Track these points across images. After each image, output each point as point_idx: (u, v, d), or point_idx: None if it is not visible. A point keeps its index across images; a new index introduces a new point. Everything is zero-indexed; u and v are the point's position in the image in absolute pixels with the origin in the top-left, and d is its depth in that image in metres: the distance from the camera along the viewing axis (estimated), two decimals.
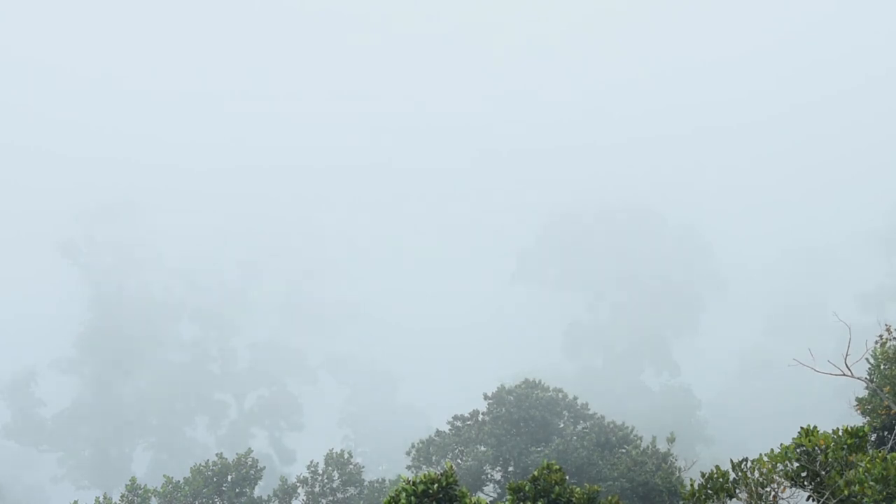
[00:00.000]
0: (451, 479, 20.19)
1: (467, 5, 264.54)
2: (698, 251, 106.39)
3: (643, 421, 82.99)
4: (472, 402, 43.07)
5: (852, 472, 18.32)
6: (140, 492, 32.56)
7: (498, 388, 43.02)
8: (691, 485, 19.85)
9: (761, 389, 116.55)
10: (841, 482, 18.24)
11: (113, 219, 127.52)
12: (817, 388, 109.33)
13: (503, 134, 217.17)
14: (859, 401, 25.54)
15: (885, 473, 17.76)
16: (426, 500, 19.85)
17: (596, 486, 22.97)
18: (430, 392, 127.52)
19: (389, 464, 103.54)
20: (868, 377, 24.95)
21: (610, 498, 21.79)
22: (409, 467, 38.66)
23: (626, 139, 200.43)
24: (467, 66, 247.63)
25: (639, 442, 38.91)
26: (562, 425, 41.36)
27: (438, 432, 40.91)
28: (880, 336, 25.20)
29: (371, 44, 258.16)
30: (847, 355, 23.65)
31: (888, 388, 24.21)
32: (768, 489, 18.89)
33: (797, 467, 19.30)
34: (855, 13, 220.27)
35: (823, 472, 18.99)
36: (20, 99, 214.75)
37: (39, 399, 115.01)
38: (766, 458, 19.30)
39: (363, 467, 38.66)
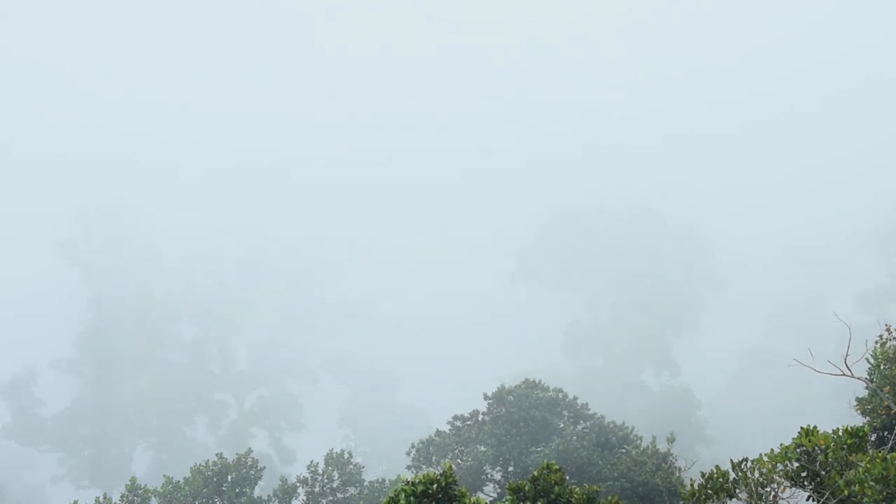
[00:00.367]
0: (450, 479, 20.19)
1: (467, 6, 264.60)
2: (698, 251, 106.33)
3: (643, 421, 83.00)
4: (472, 402, 43.06)
5: (852, 472, 18.32)
6: (140, 492, 32.55)
7: (498, 388, 43.01)
8: (691, 485, 19.85)
9: (761, 389, 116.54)
10: (841, 482, 18.23)
11: (113, 219, 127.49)
12: (817, 388, 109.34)
13: (503, 134, 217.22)
14: (859, 401, 25.53)
15: (885, 473, 17.76)
16: (426, 500, 19.85)
17: (596, 486, 22.97)
18: (430, 392, 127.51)
19: (389, 464, 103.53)
20: (868, 377, 24.94)
21: (610, 498, 21.78)
22: (408, 467, 38.65)
23: (627, 140, 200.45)
24: (467, 67, 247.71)
25: (639, 442, 38.90)
26: (562, 425, 41.35)
27: (438, 432, 40.90)
28: (880, 336, 25.19)
29: (372, 44, 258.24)
30: (847, 355, 23.65)
31: (888, 388, 24.21)
32: (768, 489, 18.89)
33: (797, 467, 19.30)
34: (854, 14, 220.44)
35: (823, 472, 18.99)
36: (20, 100, 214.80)
37: (39, 399, 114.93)
38: (766, 458, 19.30)
39: (363, 467, 38.65)
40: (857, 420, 27.24)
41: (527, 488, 22.30)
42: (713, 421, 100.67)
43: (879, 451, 18.67)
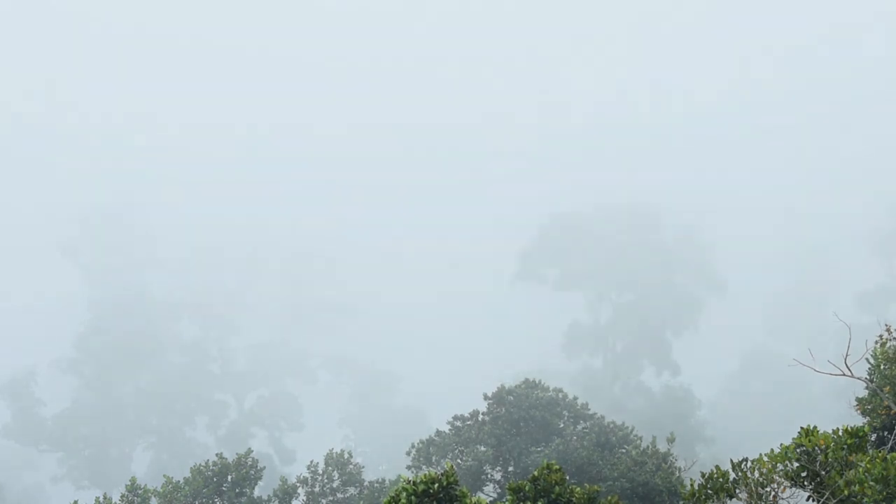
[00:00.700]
0: (451, 479, 20.20)
1: (470, 10, 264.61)
2: (698, 251, 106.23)
3: (643, 421, 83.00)
4: (472, 402, 43.05)
5: (852, 472, 18.33)
6: (140, 492, 32.54)
7: (498, 388, 43.01)
8: (691, 485, 19.86)
9: (761, 389, 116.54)
10: (841, 482, 18.24)
11: (113, 219, 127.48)
12: (817, 388, 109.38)
13: (504, 134, 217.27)
14: (859, 401, 25.53)
15: (885, 473, 17.76)
16: (426, 499, 19.86)
17: (596, 486, 22.99)
18: (430, 392, 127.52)
19: (389, 464, 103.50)
20: (868, 377, 24.94)
21: (610, 498, 21.79)
22: (409, 467, 38.65)
23: (627, 141, 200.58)
24: (467, 69, 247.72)
25: (639, 442, 38.90)
26: (562, 425, 41.35)
27: (438, 432, 40.89)
28: (880, 336, 25.18)
29: (373, 44, 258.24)
30: (847, 355, 23.64)
31: (888, 388, 24.21)
32: (768, 489, 18.89)
33: (797, 467, 19.31)
34: (856, 22, 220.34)
35: (823, 472, 19.00)
36: (21, 105, 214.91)
37: (39, 399, 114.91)
38: (766, 458, 19.31)
39: (363, 467, 38.65)
40: (857, 420, 27.24)
41: (527, 488, 22.31)
42: (713, 421, 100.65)
43: (879, 451, 18.68)
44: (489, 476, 39.58)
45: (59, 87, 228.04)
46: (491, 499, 38.31)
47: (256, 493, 36.19)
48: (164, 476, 34.39)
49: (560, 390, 43.46)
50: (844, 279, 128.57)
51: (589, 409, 43.09)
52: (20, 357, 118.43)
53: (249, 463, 34.38)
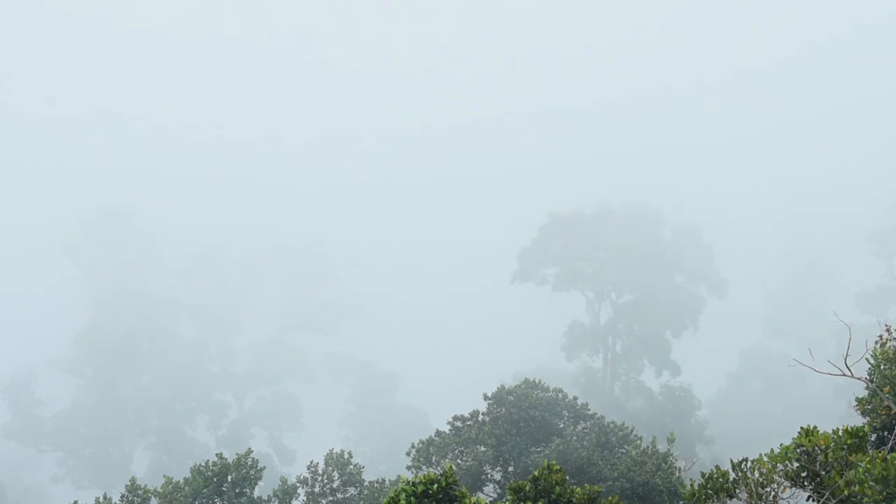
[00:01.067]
0: (450, 480, 20.20)
1: (471, 11, 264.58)
2: (698, 251, 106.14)
3: (643, 421, 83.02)
4: (472, 402, 43.05)
5: (852, 472, 18.32)
6: (140, 492, 32.51)
7: (498, 388, 43.00)
8: (691, 485, 19.86)
9: (761, 389, 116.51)
10: (841, 482, 18.24)
11: (113, 220, 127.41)
12: (817, 388, 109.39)
13: (504, 135, 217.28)
14: (859, 401, 25.52)
15: (885, 474, 17.76)
16: (426, 500, 19.86)
17: (596, 487, 22.99)
18: (430, 392, 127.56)
19: (389, 464, 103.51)
20: (868, 377, 24.93)
21: (610, 498, 21.79)
22: (409, 467, 38.62)
23: (628, 142, 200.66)
24: (468, 68, 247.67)
25: (639, 442, 38.88)
26: (562, 425, 41.34)
27: (438, 432, 40.86)
28: (880, 336, 25.16)
29: (375, 45, 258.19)
30: (847, 355, 23.64)
31: (888, 388, 24.21)
32: (768, 489, 18.89)
33: (797, 467, 19.30)
34: (860, 27, 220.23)
35: (823, 473, 18.99)
36: (22, 105, 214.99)
37: (39, 399, 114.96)
38: (766, 458, 19.30)
39: (363, 467, 38.59)
40: (857, 420, 27.24)
41: (527, 488, 22.31)
42: (713, 421, 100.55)
43: (879, 452, 18.68)
44: (489, 476, 39.56)
45: (60, 87, 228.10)
46: (491, 499, 38.30)
47: (256, 493, 36.17)
48: (164, 476, 34.36)
49: (560, 390, 43.45)
50: (844, 279, 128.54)
51: (589, 409, 43.07)
52: (20, 357, 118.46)
53: (249, 463, 34.35)
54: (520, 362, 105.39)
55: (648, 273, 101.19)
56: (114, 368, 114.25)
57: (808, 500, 19.21)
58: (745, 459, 19.73)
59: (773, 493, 18.84)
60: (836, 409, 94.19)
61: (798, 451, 19.30)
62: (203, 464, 33.86)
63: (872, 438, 24.83)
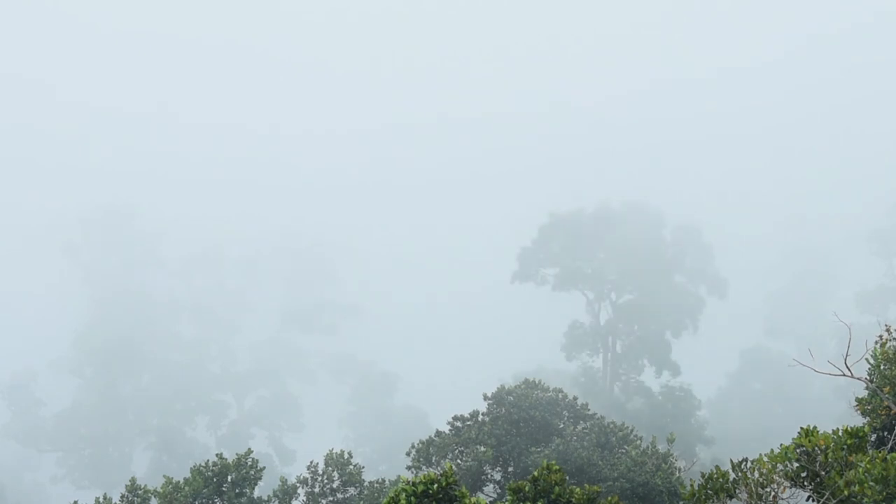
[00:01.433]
0: (450, 480, 20.20)
1: (469, 10, 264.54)
2: (698, 251, 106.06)
3: (643, 421, 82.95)
4: (472, 402, 43.05)
5: (852, 472, 18.32)
6: (140, 492, 32.51)
7: (498, 388, 43.01)
8: (691, 485, 19.86)
9: (761, 389, 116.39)
10: (841, 482, 18.24)
11: (113, 220, 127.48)
12: (817, 388, 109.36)
13: (504, 135, 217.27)
14: (859, 401, 25.51)
15: (885, 474, 17.76)
16: (426, 500, 19.86)
17: (596, 487, 22.99)
18: (430, 392, 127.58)
19: (389, 464, 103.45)
20: (868, 377, 24.93)
21: (610, 498, 21.79)
22: (408, 468, 38.61)
23: (628, 142, 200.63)
24: (468, 67, 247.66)
25: (639, 442, 38.87)
26: (562, 426, 41.33)
27: (438, 433, 40.85)
28: (880, 336, 25.16)
29: (374, 45, 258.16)
30: (847, 355, 23.64)
31: (888, 388, 24.20)
32: (768, 489, 18.89)
33: (797, 467, 19.31)
34: (860, 24, 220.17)
35: (823, 473, 18.99)
36: (26, 107, 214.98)
37: (39, 399, 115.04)
38: (766, 459, 19.30)
39: (363, 468, 38.57)
40: (857, 420, 27.23)
41: (527, 489, 22.31)
42: (713, 421, 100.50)
43: (879, 452, 18.68)
44: (489, 476, 39.55)
45: (60, 87, 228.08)
46: (491, 499, 38.30)
47: (256, 493, 36.14)
48: (164, 476, 34.35)
49: (560, 390, 43.45)
50: (844, 279, 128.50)
51: (589, 410, 43.06)
52: (20, 357, 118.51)
53: (249, 463, 34.34)
54: (520, 362, 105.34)
55: (648, 273, 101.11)
56: (114, 368, 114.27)
57: (808, 500, 19.21)
58: (745, 459, 19.73)
59: (773, 494, 18.84)
60: (836, 409, 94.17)
61: (798, 451, 19.30)
62: (203, 464, 33.85)
63: (872, 438, 24.83)
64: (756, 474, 19.12)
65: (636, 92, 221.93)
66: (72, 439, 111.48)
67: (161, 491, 32.72)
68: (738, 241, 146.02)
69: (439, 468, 38.03)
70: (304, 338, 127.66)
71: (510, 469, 39.68)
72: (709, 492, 19.27)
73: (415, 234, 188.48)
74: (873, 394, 25.01)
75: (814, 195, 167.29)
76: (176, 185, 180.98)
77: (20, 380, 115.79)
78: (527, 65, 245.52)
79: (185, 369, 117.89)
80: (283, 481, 36.15)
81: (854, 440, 19.25)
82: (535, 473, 22.70)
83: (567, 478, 24.32)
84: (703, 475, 19.77)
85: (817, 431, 19.35)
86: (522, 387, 42.58)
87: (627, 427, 40.37)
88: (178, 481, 33.43)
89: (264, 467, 35.75)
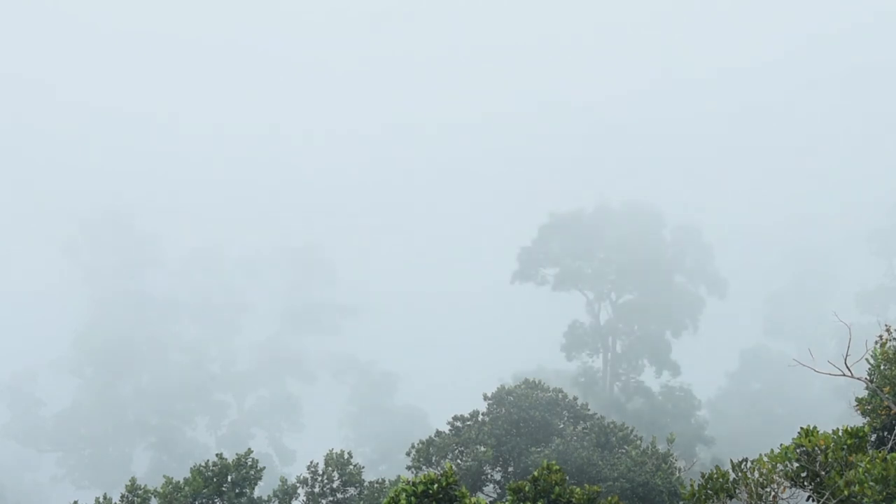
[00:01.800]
0: (451, 480, 20.21)
1: (473, 7, 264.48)
2: (698, 251, 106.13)
3: (643, 421, 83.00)
4: (472, 402, 43.07)
5: (852, 472, 18.32)
6: (140, 492, 32.50)
7: (498, 388, 43.03)
8: (691, 485, 19.86)
9: (761, 389, 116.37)
10: (841, 482, 18.24)
11: (114, 220, 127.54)
12: (817, 388, 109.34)
13: (505, 135, 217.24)
14: (859, 401, 25.51)
15: (885, 474, 17.76)
16: (426, 500, 19.86)
17: (596, 487, 23.00)
18: (430, 392, 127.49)
19: (389, 464, 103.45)
20: (868, 377, 24.93)
21: (610, 498, 21.79)
22: (409, 468, 38.61)
23: (628, 141, 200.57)
24: (468, 66, 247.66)
25: (639, 442, 38.87)
26: (562, 426, 41.33)
27: (438, 433, 40.86)
28: (880, 336, 25.16)
29: (373, 43, 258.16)
30: (847, 355, 23.64)
31: (888, 388, 24.20)
32: (768, 489, 18.89)
33: (797, 467, 19.31)
34: (859, 20, 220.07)
35: (823, 473, 18.99)
36: (26, 106, 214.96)
37: (39, 399, 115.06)
38: (766, 459, 19.31)
39: (363, 468, 38.56)
40: (857, 420, 27.23)
41: (527, 489, 22.31)
42: (713, 421, 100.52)
43: (879, 452, 18.69)
44: (489, 476, 39.56)
45: (60, 87, 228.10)
46: (491, 499, 38.30)
47: (256, 493, 36.13)
48: (164, 476, 34.35)
49: (560, 391, 43.46)
50: (844, 279, 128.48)
51: (589, 410, 43.07)
52: (20, 357, 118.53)
53: (249, 463, 34.34)
54: (520, 362, 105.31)
55: (648, 273, 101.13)
56: (114, 368, 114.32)
57: (808, 500, 19.21)
58: (745, 459, 19.74)
59: (773, 494, 18.84)
60: (836, 409, 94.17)
61: (798, 451, 19.31)
62: (203, 464, 33.85)
63: (872, 438, 24.83)
64: (756, 474, 19.12)
65: (636, 92, 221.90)
66: (72, 439, 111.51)
67: (161, 491, 32.72)
68: (739, 241, 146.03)
69: (439, 468, 38.04)
70: (304, 338, 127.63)
71: (510, 469, 39.69)
72: (709, 492, 19.28)
73: (415, 233, 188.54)
74: (873, 394, 25.01)
75: (814, 195, 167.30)
76: (176, 185, 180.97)
77: (20, 380, 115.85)
78: (526, 65, 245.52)
79: (185, 369, 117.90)
80: (283, 481, 36.15)
81: (854, 440, 19.26)
82: (535, 473, 22.70)
83: (567, 478, 24.34)
84: (703, 475, 19.77)
85: (817, 431, 19.35)
86: (522, 387, 42.60)
87: (627, 427, 40.37)
88: (178, 481, 33.42)
89: (264, 467, 35.74)
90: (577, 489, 22.68)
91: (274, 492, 35.65)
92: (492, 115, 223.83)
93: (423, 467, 38.20)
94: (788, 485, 19.17)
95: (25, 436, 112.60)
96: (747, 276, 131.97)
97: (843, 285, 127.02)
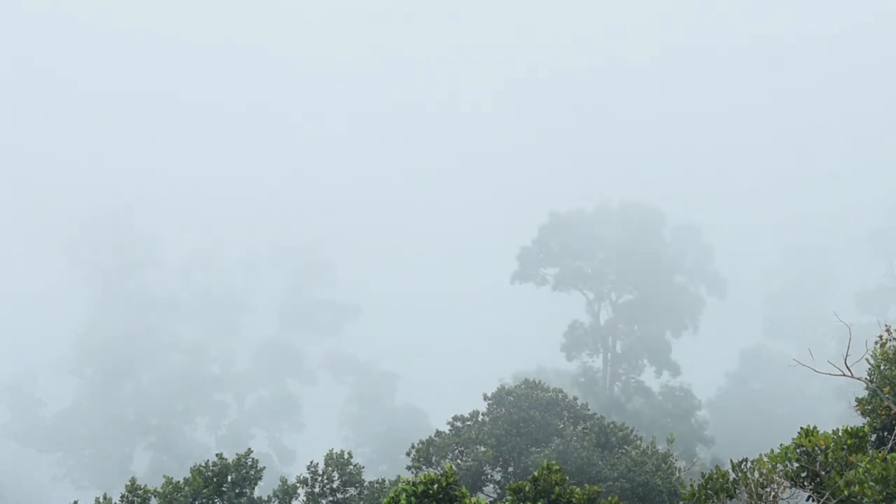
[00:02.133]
0: (451, 480, 20.21)
1: (472, 6, 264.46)
2: (698, 251, 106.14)
3: (643, 421, 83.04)
4: (472, 402, 43.08)
5: (852, 472, 18.32)
6: (140, 492, 32.50)
7: (498, 388, 43.05)
8: (691, 485, 19.86)
9: (761, 389, 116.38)
10: (841, 482, 18.24)
11: (114, 220, 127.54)
12: (817, 388, 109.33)
13: (504, 134, 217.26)
14: (859, 401, 25.51)
15: (885, 474, 17.76)
16: (426, 500, 19.86)
17: (596, 487, 23.00)
18: (430, 392, 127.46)
19: (389, 464, 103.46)
20: (868, 377, 24.92)
21: (610, 498, 21.79)
22: (408, 468, 38.61)
23: (628, 141, 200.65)
24: (467, 66, 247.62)
25: (639, 442, 38.88)
26: (562, 426, 41.34)
27: (438, 433, 40.87)
28: (880, 336, 25.16)
29: (372, 39, 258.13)
30: (847, 355, 23.64)
31: (888, 388, 24.20)
32: (768, 489, 18.89)
33: (797, 467, 19.31)
34: (857, 23, 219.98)
35: (823, 473, 19.00)
36: (25, 105, 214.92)
37: (39, 399, 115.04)
38: (766, 459, 19.31)
39: (363, 468, 38.56)
40: (858, 420, 27.24)
41: (527, 489, 22.31)
42: (713, 421, 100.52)
43: (879, 452, 18.69)
44: (489, 476, 39.56)
45: (60, 86, 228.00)
46: (491, 499, 38.31)
47: (256, 493, 36.14)
48: (164, 476, 34.35)
49: (560, 391, 43.46)
50: (844, 279, 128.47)
51: (589, 410, 43.08)
52: (20, 357, 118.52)
53: (249, 463, 34.34)
54: (520, 362, 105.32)
55: (648, 273, 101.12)
56: (114, 368, 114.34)
57: (808, 500, 19.21)
58: (745, 459, 19.74)
59: (773, 494, 18.84)
60: (836, 409, 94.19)
61: (798, 451, 19.31)
62: (203, 464, 33.85)
63: (872, 438, 24.83)
64: (756, 474, 19.12)
65: (637, 91, 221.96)
66: (72, 439, 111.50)
67: (161, 491, 32.71)
68: (739, 241, 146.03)
69: (439, 468, 38.04)
70: (305, 338, 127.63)
71: (510, 469, 39.69)
72: (709, 492, 19.28)
73: (415, 234, 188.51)
74: (873, 394, 25.01)
75: (814, 195, 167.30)
76: (176, 185, 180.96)
77: (20, 380, 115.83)
78: (526, 65, 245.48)
79: (185, 369, 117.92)
80: (283, 481, 36.14)
81: (854, 440, 19.26)
82: (536, 473, 22.71)
83: (567, 478, 24.34)
84: (703, 475, 19.77)
85: (817, 431, 19.35)
86: (522, 387, 42.61)
87: (627, 427, 40.38)
88: (178, 481, 33.42)
89: (264, 467, 35.74)
90: (577, 489, 22.68)
91: (274, 492, 35.64)
92: (492, 115, 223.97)
93: (423, 467, 38.20)
94: (788, 485, 19.17)
95: (25, 436, 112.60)
96: (747, 276, 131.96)
97: (843, 285, 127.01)
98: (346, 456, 37.82)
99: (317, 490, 36.65)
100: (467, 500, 20.05)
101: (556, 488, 22.31)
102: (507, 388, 42.97)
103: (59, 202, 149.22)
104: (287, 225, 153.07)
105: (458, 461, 38.91)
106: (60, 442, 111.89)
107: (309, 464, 37.39)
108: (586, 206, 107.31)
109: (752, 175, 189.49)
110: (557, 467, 22.78)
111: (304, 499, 36.30)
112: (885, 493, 17.70)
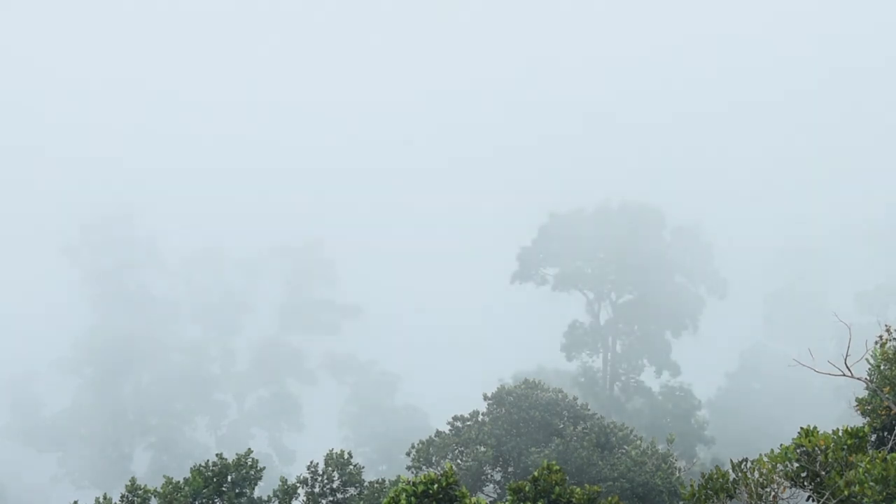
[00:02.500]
0: (451, 480, 20.21)
1: (472, 6, 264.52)
2: (698, 251, 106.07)
3: (643, 421, 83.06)
4: (473, 402, 43.08)
5: (852, 472, 18.33)
6: (140, 492, 32.51)
7: (498, 388, 43.08)
8: (691, 485, 19.86)
9: (761, 389, 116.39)
10: (841, 482, 18.24)
11: (113, 219, 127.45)
12: (817, 388, 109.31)
13: (503, 134, 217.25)
14: (859, 401, 25.52)
15: (885, 474, 17.76)
16: (426, 500, 19.87)
17: (596, 487, 23.01)
18: (431, 392, 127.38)
19: (389, 464, 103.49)
20: (868, 377, 24.92)
21: (610, 498, 21.80)
22: (409, 468, 38.63)
23: (628, 142, 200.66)
24: (467, 65, 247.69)
25: (639, 442, 38.90)
26: (562, 426, 41.34)
27: (438, 433, 40.89)
28: (880, 336, 25.16)
29: (374, 37, 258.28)
30: (847, 355, 23.65)
31: (888, 388, 24.20)
32: (768, 489, 18.89)
33: (797, 468, 19.32)
34: (857, 23, 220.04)
35: (823, 473, 19.00)
36: (24, 102, 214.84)
37: (40, 399, 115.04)
38: (766, 459, 19.31)
39: (363, 468, 38.57)
40: (857, 420, 27.23)
41: (527, 489, 22.32)
42: (713, 421, 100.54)
43: (879, 452, 18.69)
44: (489, 476, 39.58)
45: (60, 86, 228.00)
46: (491, 499, 38.31)
47: (256, 493, 36.15)
48: (164, 476, 34.35)
49: (560, 391, 43.49)
50: (844, 279, 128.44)
51: (589, 410, 43.10)
52: (20, 357, 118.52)
53: (249, 463, 34.35)
54: (520, 362, 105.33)
55: (648, 273, 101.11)
56: (114, 368, 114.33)
57: (808, 500, 19.22)
58: (745, 459, 19.74)
59: (773, 494, 18.84)
60: (836, 409, 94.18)
61: (798, 451, 19.31)
62: (203, 464, 33.86)
63: (872, 438, 24.83)
64: (756, 474, 19.13)
65: (637, 91, 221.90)
66: (72, 439, 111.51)
67: (161, 491, 32.71)
68: (738, 241, 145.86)
69: (439, 468, 38.04)
70: (304, 338, 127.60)
71: (510, 469, 39.70)
72: (709, 492, 19.28)
73: (414, 234, 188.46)
74: (873, 394, 25.01)
75: (814, 195, 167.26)
76: (176, 185, 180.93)
77: (20, 380, 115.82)
78: (527, 63, 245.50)
79: (185, 369, 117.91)
80: (283, 481, 36.14)
81: (854, 440, 19.26)
82: (536, 473, 22.71)
83: (567, 478, 24.34)
84: (703, 475, 19.78)
85: (817, 431, 19.36)
86: (522, 387, 42.63)
87: (627, 427, 40.42)
88: (178, 481, 33.42)
89: (264, 467, 35.76)
90: (577, 489, 22.69)
91: (274, 492, 35.65)
92: (492, 113, 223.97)
93: (423, 467, 38.22)
94: (788, 485, 19.18)
95: (25, 436, 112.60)
96: (747, 276, 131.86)
97: (842, 285, 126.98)
98: (346, 456, 37.83)
99: (317, 490, 36.66)
100: (467, 500, 20.05)
101: (556, 488, 22.32)
102: (507, 388, 43.00)
103: (59, 202, 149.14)
104: (287, 225, 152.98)
105: (458, 461, 38.92)
106: (60, 442, 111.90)
107: (309, 464, 37.40)
108: (586, 206, 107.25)
109: (752, 175, 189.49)
110: (557, 467, 22.79)
111: (304, 499, 36.31)
112: (885, 494, 17.70)
